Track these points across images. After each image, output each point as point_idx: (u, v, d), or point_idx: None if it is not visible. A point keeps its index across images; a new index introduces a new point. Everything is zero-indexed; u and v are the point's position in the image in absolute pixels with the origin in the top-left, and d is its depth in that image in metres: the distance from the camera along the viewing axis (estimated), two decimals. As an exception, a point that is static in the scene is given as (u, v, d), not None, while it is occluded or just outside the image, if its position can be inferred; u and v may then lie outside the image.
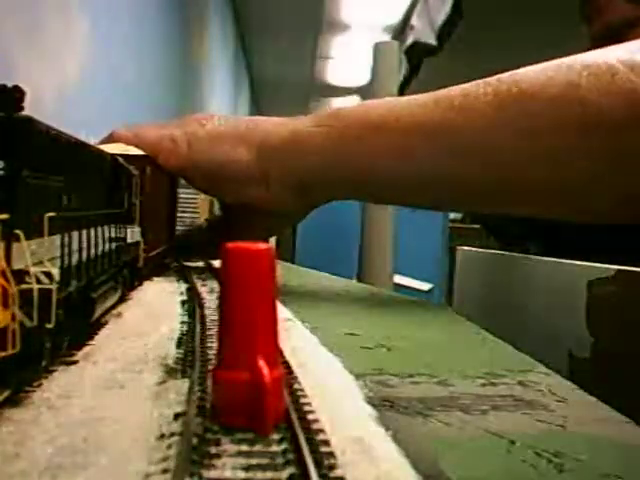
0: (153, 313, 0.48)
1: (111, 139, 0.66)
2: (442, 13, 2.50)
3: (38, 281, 0.26)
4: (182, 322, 0.44)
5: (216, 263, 0.76)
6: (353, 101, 5.87)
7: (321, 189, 0.66)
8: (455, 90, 0.58)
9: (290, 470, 0.21)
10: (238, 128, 0.66)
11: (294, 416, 0.25)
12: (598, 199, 0.56)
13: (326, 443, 0.23)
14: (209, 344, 0.36)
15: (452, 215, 2.11)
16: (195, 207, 1.01)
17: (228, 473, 0.21)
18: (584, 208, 0.58)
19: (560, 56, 0.56)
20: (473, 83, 0.57)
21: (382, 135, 0.59)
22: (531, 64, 0.57)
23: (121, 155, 0.53)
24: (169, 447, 0.23)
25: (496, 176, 0.57)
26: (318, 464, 0.21)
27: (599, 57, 0.53)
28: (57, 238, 0.31)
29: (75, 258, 0.34)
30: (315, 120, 0.63)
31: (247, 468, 0.21)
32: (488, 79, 0.56)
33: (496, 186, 0.58)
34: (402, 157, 0.59)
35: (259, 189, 0.65)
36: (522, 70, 0.56)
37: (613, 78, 0.51)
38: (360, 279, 1.28)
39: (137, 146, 0.63)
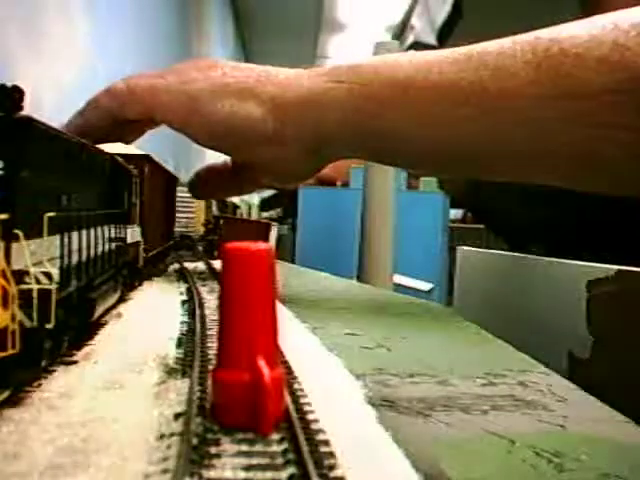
0: (153, 313, 0.48)
1: (108, 93, 0.62)
2: (442, 13, 2.50)
3: (37, 281, 0.26)
4: (182, 322, 0.44)
5: (217, 265, 0.76)
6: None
7: (338, 147, 0.61)
8: (488, 46, 0.53)
9: (290, 470, 0.21)
10: (248, 80, 0.60)
11: (294, 416, 0.25)
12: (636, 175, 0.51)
13: (326, 443, 0.23)
14: (209, 344, 0.36)
15: (452, 215, 2.10)
16: (192, 207, 1.01)
17: (228, 473, 0.21)
18: (620, 183, 0.53)
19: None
20: (508, 39, 0.52)
21: (408, 97, 0.55)
22: None
23: (120, 155, 0.53)
24: (169, 447, 0.23)
25: (529, 142, 0.52)
26: (318, 464, 0.21)
27: None
28: (56, 238, 0.31)
29: (75, 258, 0.34)
30: (334, 75, 0.58)
31: (247, 468, 0.21)
32: (525, 35, 0.52)
33: (529, 153, 0.54)
34: (429, 121, 0.55)
35: (272, 149, 0.60)
36: (563, 27, 0.51)
37: None
38: (360, 279, 1.28)
39: (130, 102, 0.60)
